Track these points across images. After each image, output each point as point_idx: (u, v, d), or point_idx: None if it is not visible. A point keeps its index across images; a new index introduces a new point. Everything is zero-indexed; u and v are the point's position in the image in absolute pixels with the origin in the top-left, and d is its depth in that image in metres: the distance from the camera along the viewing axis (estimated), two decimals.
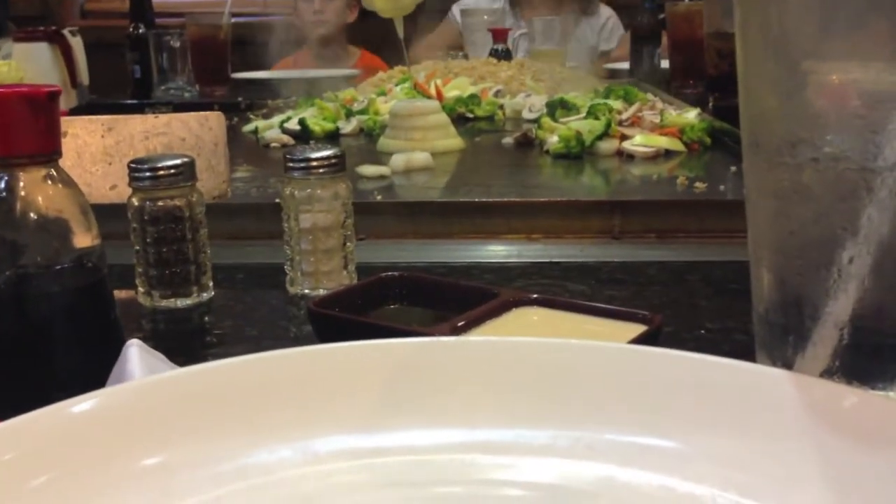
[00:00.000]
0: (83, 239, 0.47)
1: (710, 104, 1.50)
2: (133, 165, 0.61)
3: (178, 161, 0.61)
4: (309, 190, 0.62)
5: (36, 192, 0.45)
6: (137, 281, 0.63)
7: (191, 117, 0.90)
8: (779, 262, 0.42)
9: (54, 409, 0.35)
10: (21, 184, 0.45)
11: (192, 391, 0.38)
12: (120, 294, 0.63)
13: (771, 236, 0.42)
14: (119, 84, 2.10)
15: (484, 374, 0.41)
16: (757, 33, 0.41)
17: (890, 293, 0.38)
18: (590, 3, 2.67)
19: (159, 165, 0.60)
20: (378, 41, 2.47)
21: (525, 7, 2.52)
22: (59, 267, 0.46)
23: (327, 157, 0.62)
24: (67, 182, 0.47)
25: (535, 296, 0.54)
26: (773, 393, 0.36)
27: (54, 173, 0.46)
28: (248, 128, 1.43)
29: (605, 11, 2.74)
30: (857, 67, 0.38)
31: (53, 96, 0.44)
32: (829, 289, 0.39)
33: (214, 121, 0.90)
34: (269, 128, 1.37)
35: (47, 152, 0.45)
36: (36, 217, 0.45)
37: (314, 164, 0.62)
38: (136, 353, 0.41)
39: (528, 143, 1.21)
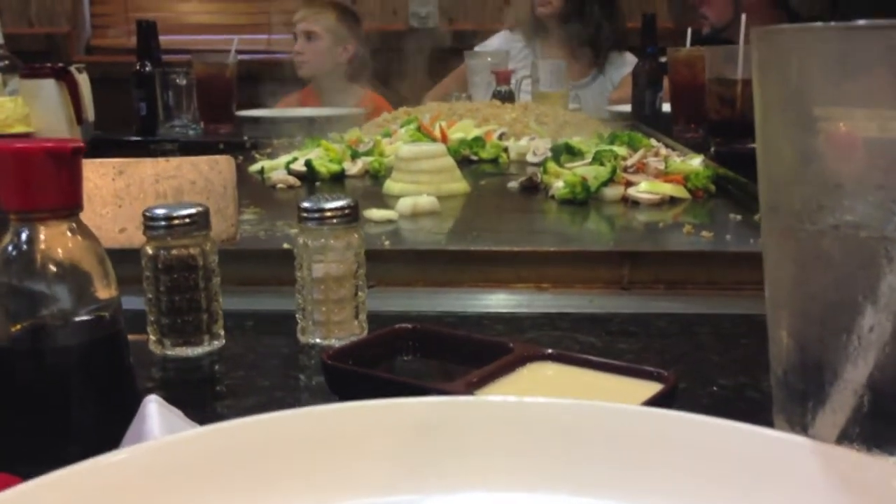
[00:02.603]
0: (101, 291, 0.47)
1: (712, 149, 1.51)
2: (148, 214, 0.61)
3: (192, 210, 0.61)
4: (322, 240, 0.63)
5: (56, 244, 0.46)
6: (149, 328, 0.62)
7: (201, 161, 0.90)
8: (798, 327, 0.42)
9: (75, 471, 0.35)
10: (42, 237, 0.45)
11: (209, 452, 0.38)
12: (131, 339, 0.63)
13: (790, 300, 0.42)
14: (124, 120, 2.11)
15: (501, 436, 0.40)
16: (775, 91, 0.42)
17: None
18: (607, 54, 2.65)
19: (174, 214, 0.60)
20: (382, 79, 2.50)
21: (544, 51, 2.53)
22: (77, 319, 0.46)
23: (341, 208, 0.62)
24: (87, 234, 0.47)
25: (549, 351, 0.54)
26: (795, 461, 0.36)
27: (75, 226, 0.46)
28: (254, 168, 1.43)
29: (629, 60, 2.62)
30: (875, 116, 0.39)
31: (77, 151, 0.44)
32: (849, 355, 0.39)
33: (224, 164, 0.91)
34: (275, 168, 1.37)
35: (69, 206, 0.45)
36: (55, 269, 0.46)
37: (328, 214, 0.62)
38: (154, 409, 0.41)
39: (533, 188, 1.22)
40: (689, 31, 2.03)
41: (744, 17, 1.73)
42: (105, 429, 0.47)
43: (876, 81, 0.39)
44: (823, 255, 0.39)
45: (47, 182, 0.44)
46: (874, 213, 0.37)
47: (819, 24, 0.38)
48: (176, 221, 0.60)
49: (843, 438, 0.40)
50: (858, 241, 0.38)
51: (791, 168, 0.41)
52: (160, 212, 0.61)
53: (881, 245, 0.37)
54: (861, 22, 0.37)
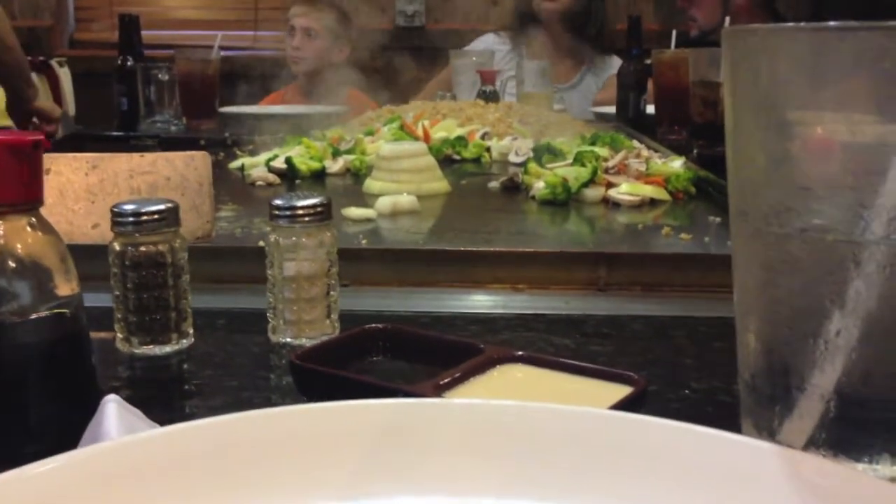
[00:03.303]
0: (62, 287, 0.46)
1: (695, 151, 1.51)
2: (116, 210, 0.60)
3: (161, 206, 0.60)
4: (294, 238, 0.62)
5: (15, 239, 0.45)
6: (116, 326, 0.62)
7: (176, 156, 0.89)
8: (766, 331, 0.41)
9: (24, 471, 0.34)
10: (0, 231, 0.44)
11: (169, 452, 0.37)
12: (98, 336, 0.62)
13: (758, 304, 0.42)
14: (106, 114, 2.09)
15: (467, 440, 0.40)
16: (746, 92, 0.41)
17: (877, 366, 0.38)
18: (596, 55, 2.63)
19: (142, 210, 0.60)
20: (367, 79, 2.49)
21: (530, 53, 2.52)
22: (36, 316, 0.45)
23: (313, 206, 0.62)
24: (48, 230, 0.46)
25: (519, 353, 0.53)
26: (759, 467, 0.36)
27: (35, 221, 0.45)
28: (235, 164, 1.42)
29: (616, 63, 2.58)
30: (846, 119, 0.39)
31: (37, 145, 0.44)
32: (817, 360, 0.38)
33: (200, 161, 0.90)
34: (256, 165, 1.36)
35: (29, 201, 0.44)
36: (14, 265, 0.45)
37: (300, 212, 0.61)
38: (113, 409, 0.40)
39: (514, 188, 1.22)
40: (675, 33, 2.03)
41: (728, 20, 1.74)
42: (64, 428, 0.46)
43: (846, 83, 0.38)
44: (791, 259, 0.39)
45: (6, 176, 0.43)
46: (842, 216, 0.37)
47: (790, 24, 0.38)
48: (144, 217, 0.60)
49: (810, 443, 0.40)
50: (826, 245, 0.38)
51: (760, 170, 0.40)
52: (128, 207, 0.60)
53: (849, 249, 0.37)
54: (832, 23, 0.37)
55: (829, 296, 0.37)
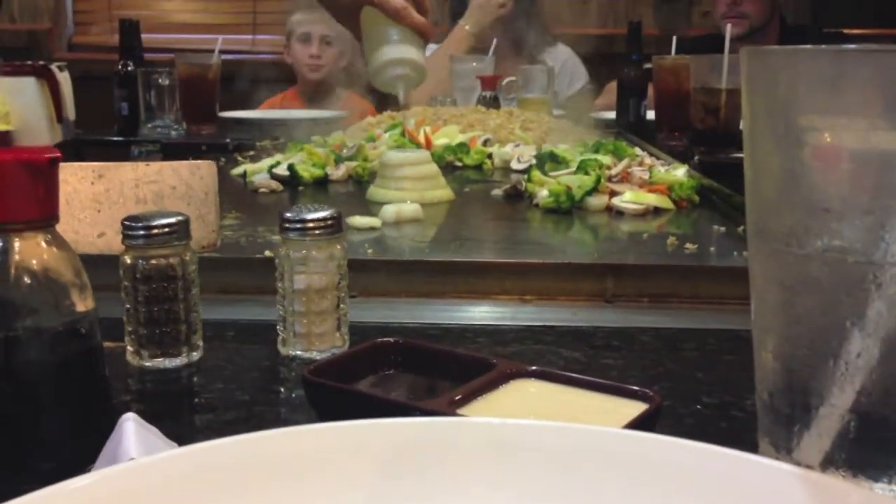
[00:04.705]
0: (77, 304, 0.46)
1: (696, 158, 1.51)
2: (126, 222, 0.60)
3: (172, 219, 0.60)
4: (304, 251, 0.62)
5: (30, 256, 0.45)
6: (127, 339, 0.61)
7: (182, 165, 0.89)
8: (784, 350, 0.41)
9: (51, 492, 0.34)
10: (16, 248, 0.44)
11: (186, 473, 0.37)
12: (107, 346, 0.62)
13: (777, 323, 0.42)
14: (106, 118, 2.09)
15: (482, 459, 0.40)
16: (764, 111, 0.41)
17: None
18: (540, 43, 2.60)
19: (153, 223, 0.59)
20: (367, 83, 2.49)
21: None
22: (52, 332, 0.45)
23: (324, 219, 0.62)
24: (63, 246, 0.46)
25: (532, 368, 0.53)
26: (778, 488, 0.36)
27: (50, 237, 0.45)
28: (237, 171, 1.42)
29: (563, 52, 2.66)
30: (865, 141, 0.39)
31: (54, 162, 0.43)
32: (836, 380, 0.38)
33: (206, 170, 0.90)
34: (258, 172, 1.36)
35: (45, 218, 0.44)
36: (29, 282, 0.45)
37: (310, 225, 0.61)
38: (131, 428, 0.40)
39: (517, 195, 1.22)
40: (675, 39, 2.03)
41: (729, 26, 1.74)
42: (79, 445, 0.46)
43: (865, 105, 0.38)
44: (810, 280, 0.39)
45: (23, 193, 0.43)
46: (862, 238, 0.37)
47: (808, 46, 0.38)
48: (155, 230, 0.59)
49: (828, 463, 0.40)
50: (846, 266, 0.38)
51: (779, 190, 0.40)
52: (139, 220, 0.60)
53: (869, 270, 0.37)
54: (851, 46, 0.37)
55: (850, 317, 0.37)
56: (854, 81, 0.38)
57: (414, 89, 1.17)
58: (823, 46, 0.37)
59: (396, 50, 1.09)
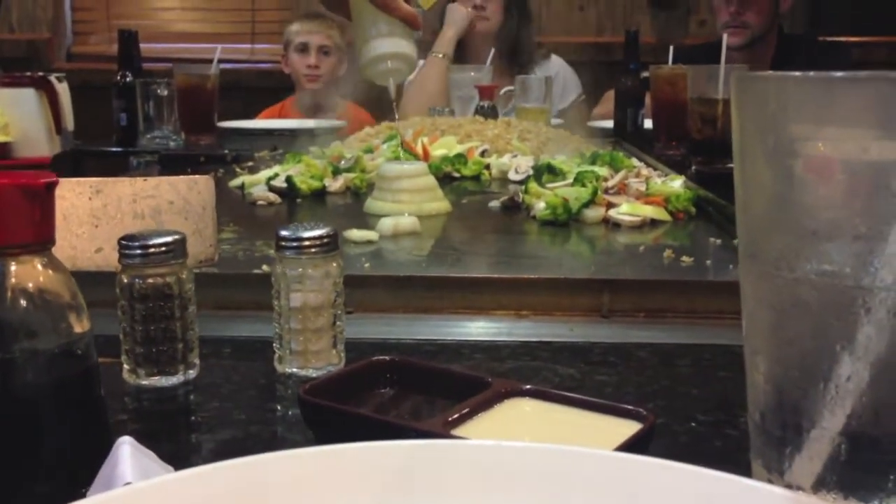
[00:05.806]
0: (74, 325, 0.46)
1: (693, 168, 1.52)
2: (123, 241, 0.60)
3: (168, 238, 0.60)
4: (300, 269, 0.62)
5: (27, 279, 0.45)
6: (123, 357, 0.62)
7: (179, 180, 0.90)
8: (775, 372, 0.42)
9: None
10: (12, 271, 0.44)
11: (184, 497, 0.37)
12: (102, 363, 0.62)
13: (767, 345, 0.42)
14: (104, 128, 2.09)
15: (479, 481, 0.40)
16: (754, 136, 0.42)
17: (887, 409, 0.38)
18: (534, 57, 2.60)
19: (150, 242, 0.60)
20: (365, 92, 2.49)
21: (470, 57, 2.49)
22: (48, 354, 0.45)
23: (320, 237, 0.62)
24: (59, 268, 0.46)
25: (527, 387, 0.54)
26: None
27: (47, 260, 0.46)
28: (235, 183, 1.42)
29: (556, 64, 2.65)
30: (854, 166, 0.39)
31: (50, 187, 0.44)
32: (827, 403, 0.39)
33: (203, 184, 0.90)
34: (256, 184, 1.37)
35: (41, 241, 0.45)
36: (26, 304, 0.45)
37: (306, 243, 0.62)
38: (127, 451, 0.40)
39: (514, 207, 1.22)
40: (672, 48, 2.04)
41: (725, 36, 1.74)
42: (75, 466, 0.46)
43: (855, 130, 0.39)
44: (801, 303, 0.39)
45: (19, 217, 0.43)
46: (851, 262, 0.37)
47: (797, 73, 0.38)
48: (152, 249, 0.60)
49: (820, 485, 0.40)
50: (836, 291, 0.38)
51: (769, 213, 0.41)
52: (135, 240, 0.60)
53: (859, 295, 0.37)
54: (840, 73, 0.37)
55: (840, 341, 0.38)
56: (843, 107, 0.38)
57: (404, 81, 1.16)
58: (812, 74, 0.38)
59: (386, 44, 1.08)
